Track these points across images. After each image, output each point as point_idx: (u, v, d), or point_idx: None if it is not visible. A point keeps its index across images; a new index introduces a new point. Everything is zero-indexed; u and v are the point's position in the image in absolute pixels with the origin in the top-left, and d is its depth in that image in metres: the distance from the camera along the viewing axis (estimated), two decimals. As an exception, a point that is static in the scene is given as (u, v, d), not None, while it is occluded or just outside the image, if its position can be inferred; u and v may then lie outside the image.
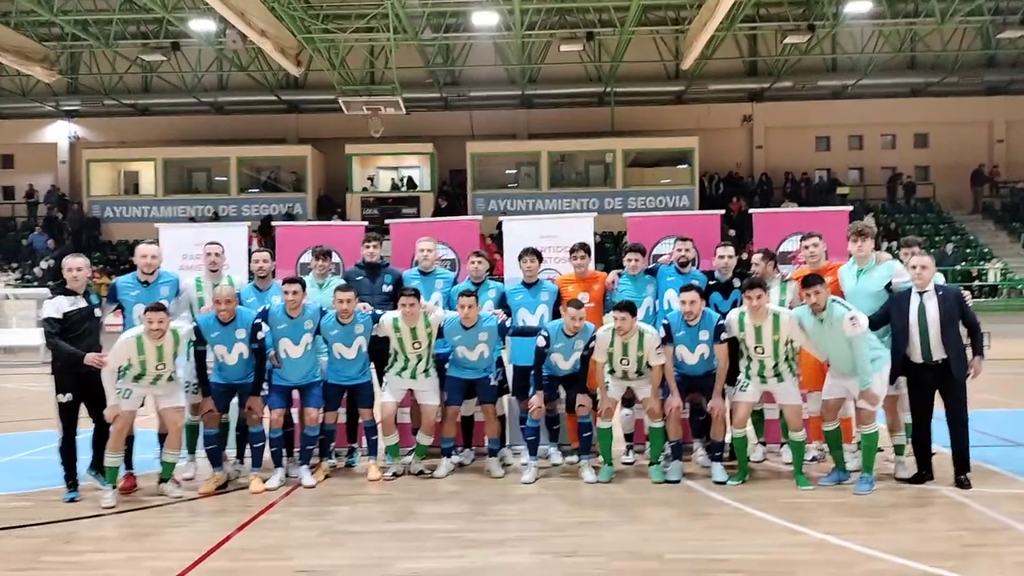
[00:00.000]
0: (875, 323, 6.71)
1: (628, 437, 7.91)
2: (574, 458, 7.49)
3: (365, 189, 31.98)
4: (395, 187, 32.51)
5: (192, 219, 28.74)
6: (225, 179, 32.32)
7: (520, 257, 7.78)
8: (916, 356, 6.58)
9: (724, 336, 6.92)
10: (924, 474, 6.74)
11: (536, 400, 7.15)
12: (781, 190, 30.22)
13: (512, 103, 32.31)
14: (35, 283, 26.92)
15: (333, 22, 23.85)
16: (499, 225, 9.26)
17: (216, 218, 29.38)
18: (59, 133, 33.58)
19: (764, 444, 7.85)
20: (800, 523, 5.70)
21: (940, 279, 6.84)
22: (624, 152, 30.82)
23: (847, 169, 32.08)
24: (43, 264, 28.58)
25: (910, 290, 6.67)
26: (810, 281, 6.60)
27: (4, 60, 24.55)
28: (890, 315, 6.72)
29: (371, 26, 23.89)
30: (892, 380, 6.74)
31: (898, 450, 7.02)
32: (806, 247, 7.38)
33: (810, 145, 32.01)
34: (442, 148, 31.75)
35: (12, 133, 33.32)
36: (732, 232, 21.64)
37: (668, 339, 7.00)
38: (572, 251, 7.84)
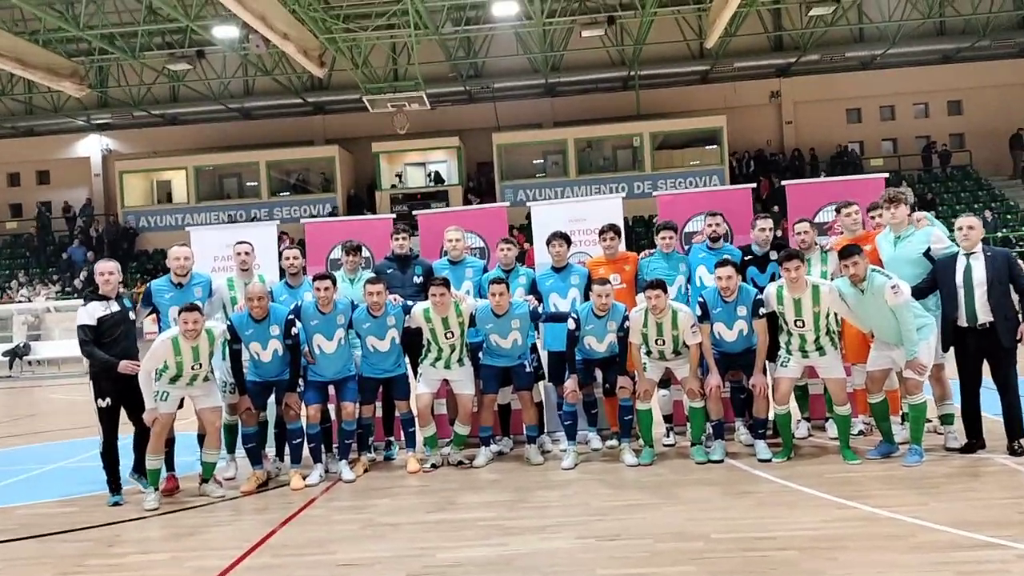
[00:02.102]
0: (921, 291, 6.53)
1: (668, 419, 7.79)
2: (614, 442, 7.40)
3: (394, 186, 32.05)
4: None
5: (233, 220, 29.08)
6: (255, 183, 32.60)
7: (548, 242, 7.70)
8: (962, 319, 6.39)
9: (763, 311, 6.77)
10: (975, 443, 6.56)
11: (570, 384, 7.07)
12: (813, 165, 29.74)
13: (536, 92, 32.14)
14: (75, 295, 27.37)
15: (354, 21, 23.88)
16: (528, 215, 9.15)
17: (253, 221, 29.70)
18: (91, 147, 34.10)
19: (808, 420, 7.70)
20: (848, 498, 5.56)
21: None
22: (651, 135, 30.54)
23: (880, 140, 31.49)
24: (82, 276, 29.06)
25: (957, 253, 6.48)
26: (847, 252, 6.41)
27: (35, 77, 24.92)
28: (937, 281, 6.53)
29: (392, 23, 23.92)
30: (944, 349, 6.56)
31: (947, 420, 6.82)
32: (847, 215, 7.23)
33: (841, 118, 31.46)
34: (468, 141, 31.70)
35: (47, 149, 33.93)
36: (760, 209, 21.31)
37: (704, 317, 6.87)
38: (601, 233, 7.73)
